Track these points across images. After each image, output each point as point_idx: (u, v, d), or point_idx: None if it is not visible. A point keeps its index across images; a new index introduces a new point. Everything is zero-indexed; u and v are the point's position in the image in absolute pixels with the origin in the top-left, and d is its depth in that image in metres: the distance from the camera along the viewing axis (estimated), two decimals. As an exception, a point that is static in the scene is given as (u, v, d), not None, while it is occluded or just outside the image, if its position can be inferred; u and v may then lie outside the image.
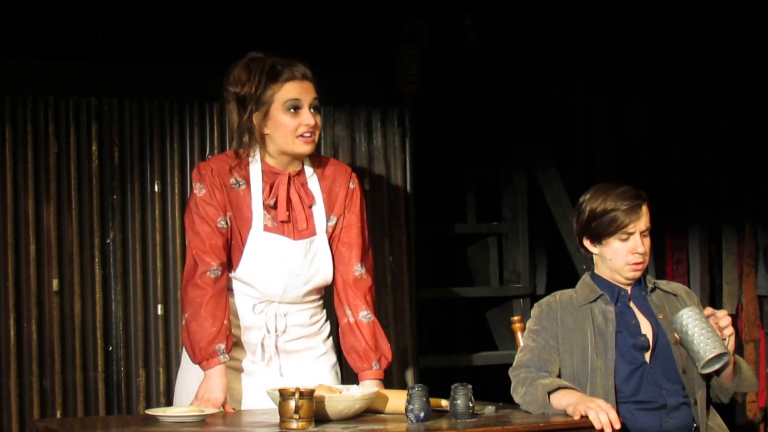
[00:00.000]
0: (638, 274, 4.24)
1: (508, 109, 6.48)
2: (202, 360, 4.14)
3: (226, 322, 4.16)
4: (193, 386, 4.22)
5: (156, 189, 5.25)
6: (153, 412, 3.89)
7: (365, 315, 4.32)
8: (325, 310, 4.43)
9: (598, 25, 6.69)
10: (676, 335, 4.10)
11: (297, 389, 3.62)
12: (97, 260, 5.15)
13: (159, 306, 5.22)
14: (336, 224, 4.31)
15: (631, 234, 4.20)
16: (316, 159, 4.36)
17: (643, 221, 4.21)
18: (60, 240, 5.09)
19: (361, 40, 5.85)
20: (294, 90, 4.18)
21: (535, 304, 4.33)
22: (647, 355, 4.18)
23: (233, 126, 4.27)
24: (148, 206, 5.24)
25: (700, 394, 4.18)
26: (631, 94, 6.71)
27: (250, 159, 4.25)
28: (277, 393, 3.67)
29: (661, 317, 4.24)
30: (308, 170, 4.31)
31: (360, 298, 4.32)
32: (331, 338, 4.43)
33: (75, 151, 5.14)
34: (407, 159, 5.69)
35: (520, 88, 6.51)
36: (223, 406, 4.11)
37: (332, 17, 5.84)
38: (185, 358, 4.31)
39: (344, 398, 3.80)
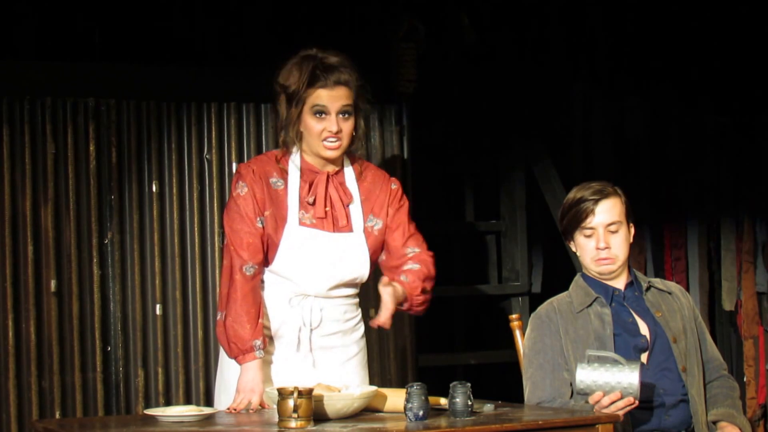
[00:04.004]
0: (607, 269, 4.23)
1: (505, 107, 6.48)
2: (238, 354, 4.21)
3: (261, 320, 4.22)
4: (233, 384, 4.27)
5: (154, 189, 5.25)
6: (152, 412, 3.89)
7: (411, 266, 4.38)
8: (360, 310, 4.44)
9: (597, 22, 6.69)
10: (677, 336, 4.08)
11: (296, 388, 3.62)
12: (95, 261, 5.15)
13: (157, 306, 5.23)
14: (382, 226, 4.36)
15: (592, 229, 4.20)
16: (358, 162, 4.40)
17: (605, 216, 4.20)
18: (58, 241, 5.10)
19: (359, 38, 5.85)
20: (322, 96, 4.25)
21: (533, 315, 4.31)
22: (644, 357, 4.17)
23: (281, 119, 4.33)
24: (146, 206, 5.24)
25: (699, 391, 4.18)
26: (629, 91, 6.71)
27: (291, 156, 4.32)
28: (276, 392, 3.67)
29: (658, 315, 4.23)
30: (348, 171, 4.37)
31: (409, 260, 4.39)
32: (364, 339, 4.44)
33: (72, 151, 5.14)
34: (405, 157, 5.69)
35: (518, 85, 6.51)
36: (261, 405, 4.17)
37: (329, 17, 5.84)
38: (224, 357, 4.34)
39: (343, 397, 3.80)
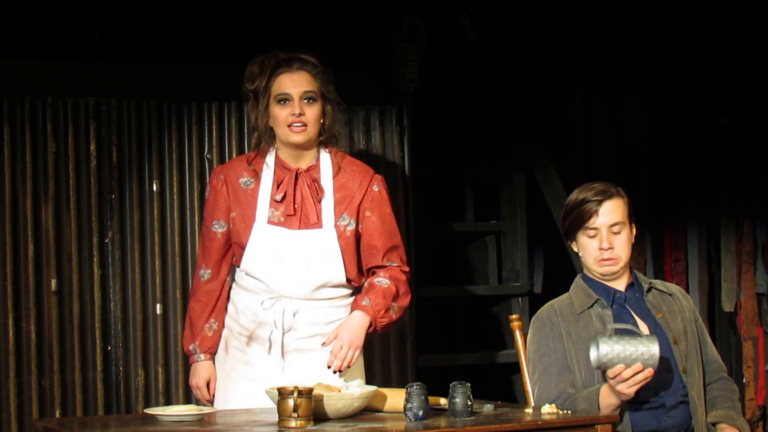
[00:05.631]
0: (609, 269, 4.23)
1: (506, 108, 6.48)
2: (189, 357, 4.44)
3: (206, 325, 4.37)
4: (223, 383, 4.36)
5: (154, 188, 5.25)
6: (152, 411, 3.89)
7: (379, 280, 4.34)
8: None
9: (597, 25, 6.70)
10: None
11: (296, 388, 3.62)
12: (95, 260, 5.15)
13: (158, 305, 5.23)
14: (355, 227, 4.33)
15: (596, 229, 4.20)
16: (336, 156, 4.38)
17: (608, 216, 4.20)
18: (58, 240, 5.10)
19: (359, 39, 5.85)
20: (284, 82, 4.30)
21: (534, 318, 4.30)
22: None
23: (252, 120, 4.39)
24: (146, 206, 5.24)
25: (699, 392, 4.18)
26: (630, 94, 6.71)
27: (267, 155, 4.34)
28: (276, 392, 3.67)
29: (659, 317, 4.23)
30: (324, 166, 4.35)
31: (381, 272, 4.35)
32: None
33: (73, 151, 5.14)
34: (405, 158, 5.69)
35: (519, 86, 6.51)
36: (209, 387, 4.38)
37: (330, 16, 5.84)
38: (216, 356, 4.43)
39: (343, 397, 3.80)
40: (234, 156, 5.33)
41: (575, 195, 4.27)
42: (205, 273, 4.37)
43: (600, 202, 4.20)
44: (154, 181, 5.26)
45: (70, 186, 5.13)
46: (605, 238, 4.20)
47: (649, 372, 3.92)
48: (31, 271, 5.06)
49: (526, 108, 6.48)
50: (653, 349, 3.92)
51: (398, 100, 5.72)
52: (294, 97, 4.27)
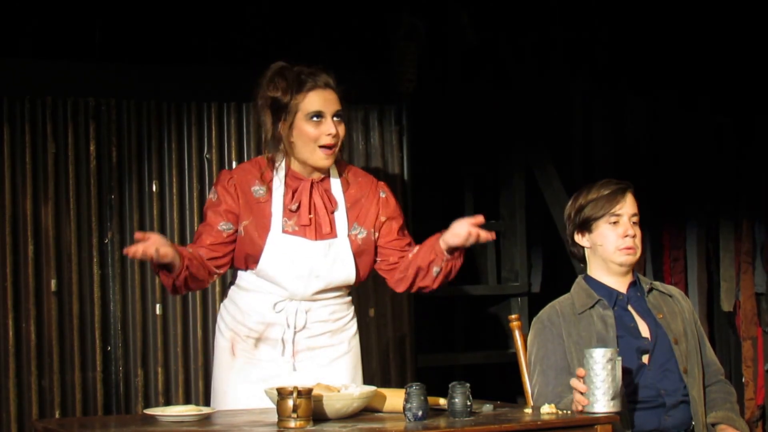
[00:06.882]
0: (630, 259, 4.24)
1: (506, 108, 6.48)
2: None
3: (186, 253, 4.19)
4: (221, 386, 4.33)
5: (154, 189, 5.26)
6: (151, 411, 3.89)
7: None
8: (352, 308, 4.43)
9: (597, 25, 6.70)
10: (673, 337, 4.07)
11: (295, 388, 3.63)
12: (95, 260, 5.16)
13: (157, 306, 5.23)
14: (365, 235, 4.35)
15: (619, 216, 4.22)
16: (343, 167, 4.39)
17: (630, 206, 4.25)
18: (58, 240, 5.10)
19: (359, 38, 5.85)
20: (317, 100, 4.24)
21: (535, 319, 4.30)
22: (646, 358, 4.18)
23: (267, 133, 4.31)
24: (146, 206, 5.25)
25: (700, 392, 4.19)
26: (629, 93, 6.71)
27: (276, 165, 4.31)
28: (275, 392, 3.67)
29: (660, 317, 4.24)
30: (333, 178, 4.36)
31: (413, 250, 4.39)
32: (356, 338, 4.43)
33: (73, 151, 5.15)
34: (404, 157, 5.69)
35: (519, 86, 6.51)
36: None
37: (329, 15, 5.84)
38: (216, 358, 4.40)
39: (342, 397, 3.80)
40: (233, 156, 5.34)
41: (588, 191, 4.28)
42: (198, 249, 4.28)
43: (624, 191, 4.26)
44: (154, 182, 5.26)
45: (70, 186, 5.13)
46: (630, 226, 4.23)
47: (581, 401, 3.85)
48: (31, 271, 5.06)
49: (526, 108, 6.48)
50: (599, 405, 3.81)
51: (397, 99, 5.72)
52: (327, 115, 4.24)
